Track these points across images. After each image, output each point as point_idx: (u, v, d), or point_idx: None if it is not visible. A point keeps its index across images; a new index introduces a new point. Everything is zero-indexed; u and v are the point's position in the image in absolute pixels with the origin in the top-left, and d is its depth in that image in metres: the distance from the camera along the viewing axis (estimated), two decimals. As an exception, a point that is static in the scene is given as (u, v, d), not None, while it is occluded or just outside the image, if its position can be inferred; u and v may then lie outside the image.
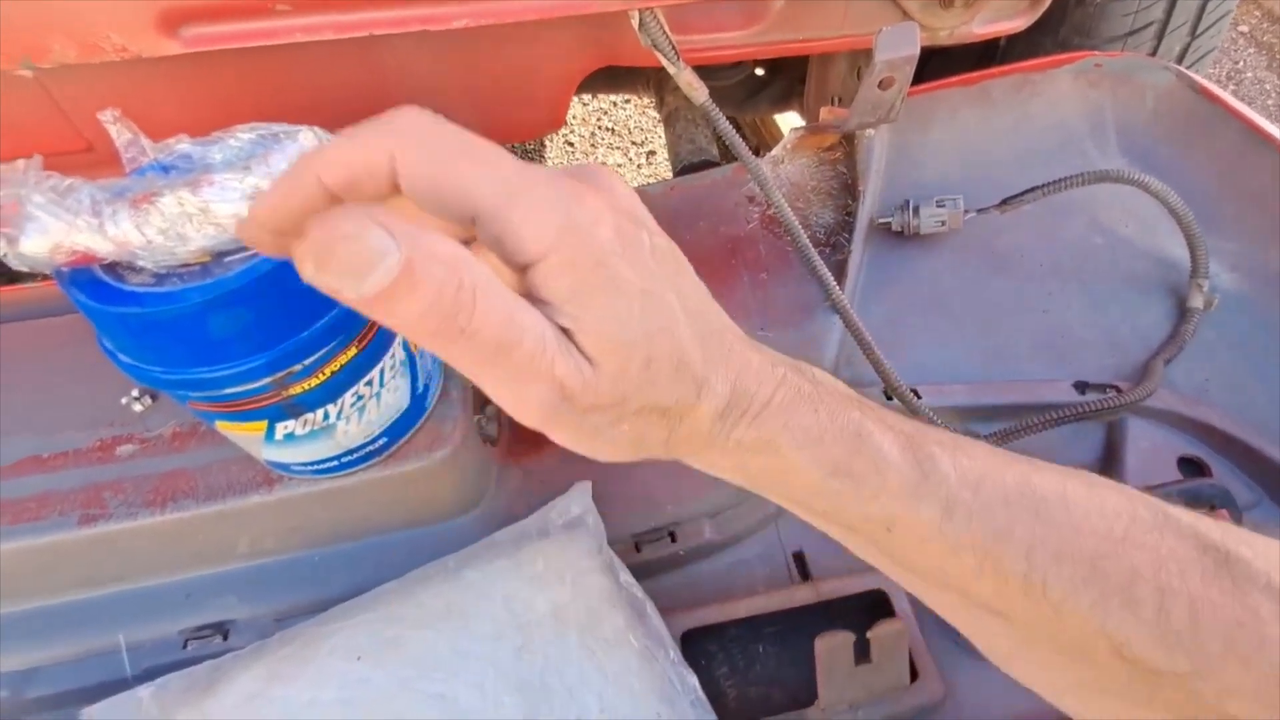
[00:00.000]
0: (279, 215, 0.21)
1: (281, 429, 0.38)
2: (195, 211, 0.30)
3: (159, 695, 0.38)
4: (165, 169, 0.33)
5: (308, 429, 0.38)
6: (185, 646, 0.44)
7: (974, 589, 0.25)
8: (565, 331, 0.21)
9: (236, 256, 0.32)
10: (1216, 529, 0.25)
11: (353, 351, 0.37)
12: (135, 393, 0.46)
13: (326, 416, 0.38)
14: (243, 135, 0.33)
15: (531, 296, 0.21)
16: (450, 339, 0.19)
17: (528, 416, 0.22)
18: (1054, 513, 0.24)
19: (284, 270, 0.32)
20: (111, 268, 0.32)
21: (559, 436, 0.23)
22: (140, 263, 0.31)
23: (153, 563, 0.45)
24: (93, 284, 0.32)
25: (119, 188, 0.31)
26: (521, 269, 0.21)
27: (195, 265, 0.32)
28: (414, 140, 0.20)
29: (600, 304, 0.21)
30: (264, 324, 0.33)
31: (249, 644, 0.41)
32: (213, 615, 0.45)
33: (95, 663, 0.44)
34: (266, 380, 0.34)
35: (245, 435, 0.38)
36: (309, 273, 0.18)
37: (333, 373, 0.37)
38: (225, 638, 0.44)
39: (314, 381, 0.36)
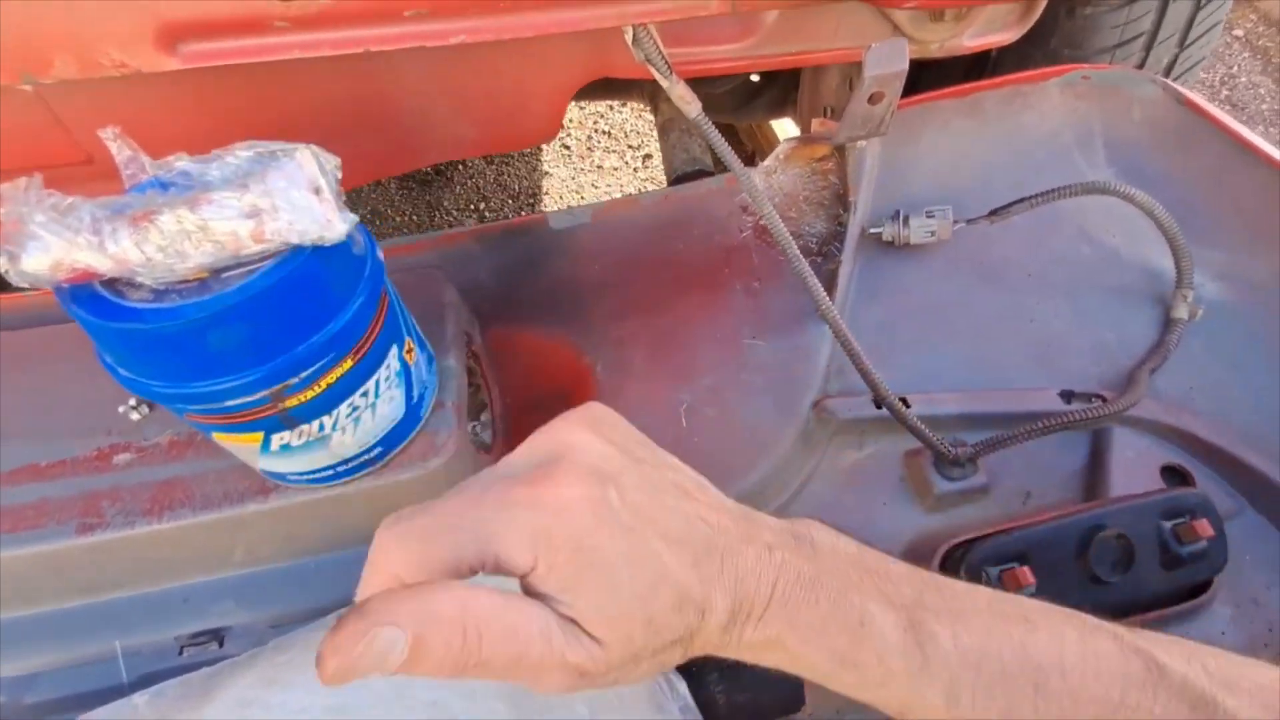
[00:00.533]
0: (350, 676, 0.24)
1: (278, 440, 0.38)
2: (194, 229, 0.31)
3: (155, 702, 0.38)
4: (164, 186, 0.34)
5: (303, 440, 0.39)
6: (181, 653, 0.45)
7: None
8: (567, 612, 0.24)
9: (234, 272, 0.33)
10: (1204, 676, 0.26)
11: (348, 364, 0.38)
12: (133, 401, 0.47)
13: (322, 428, 0.39)
14: (241, 153, 0.34)
15: (532, 589, 0.25)
16: (472, 672, 0.23)
17: (555, 692, 0.25)
18: (1052, 683, 0.26)
19: (281, 286, 0.33)
20: (111, 284, 0.33)
21: (587, 691, 0.25)
22: (139, 279, 0.32)
23: (149, 570, 0.45)
24: (93, 300, 0.32)
25: (118, 205, 0.31)
26: (523, 579, 0.25)
27: (193, 281, 0.32)
28: (401, 554, 0.24)
29: (589, 590, 0.24)
30: (261, 338, 0.33)
31: (244, 650, 0.42)
32: (209, 622, 0.45)
33: (92, 669, 0.45)
34: (264, 393, 0.35)
35: (242, 446, 0.39)
36: (350, 680, 0.22)
37: (329, 385, 0.37)
38: (221, 644, 0.45)
39: (310, 394, 0.37)
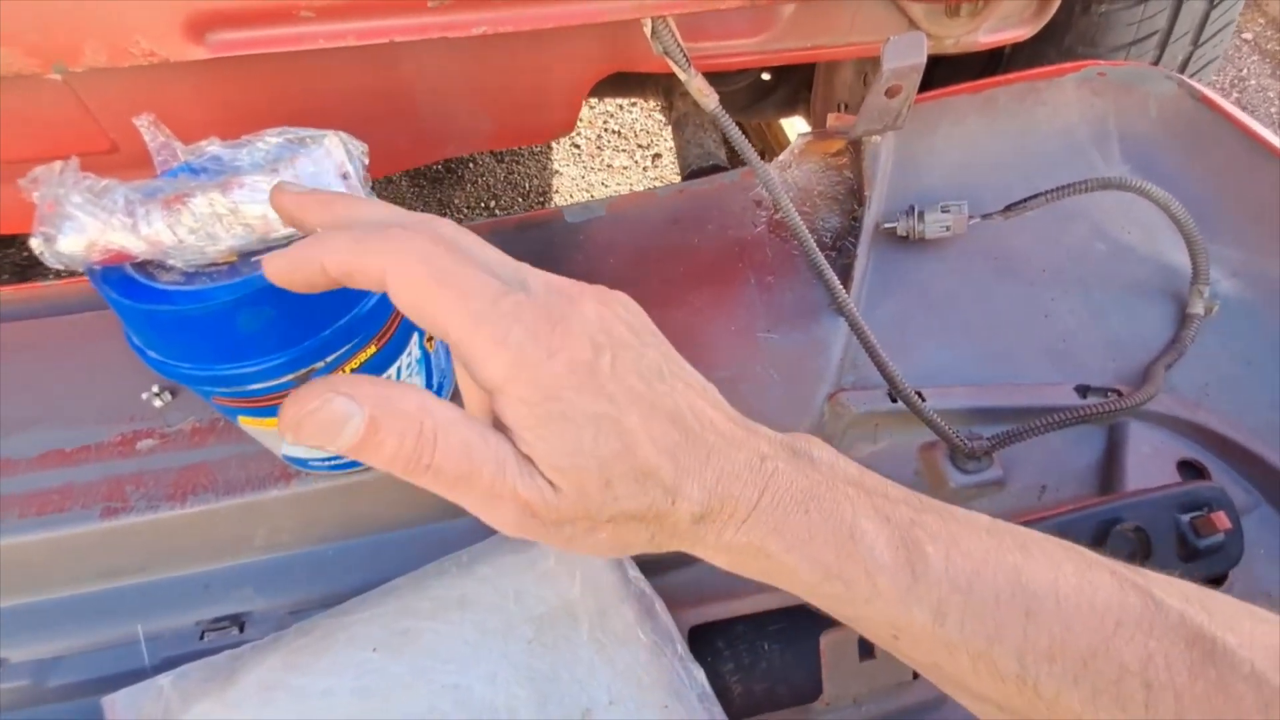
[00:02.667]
0: (286, 280, 0.25)
1: (302, 424, 0.39)
2: (225, 212, 0.31)
3: (179, 684, 0.39)
4: (195, 171, 0.34)
5: (327, 425, 0.39)
6: (202, 638, 0.45)
7: (971, 685, 0.26)
8: (527, 457, 0.24)
9: (263, 256, 0.33)
10: (1203, 613, 0.25)
11: (371, 350, 0.38)
12: (155, 388, 0.47)
13: (345, 413, 0.39)
14: (270, 139, 0.34)
15: (500, 420, 0.24)
16: (418, 474, 0.23)
17: (504, 528, 0.25)
18: (1045, 609, 0.25)
19: (309, 270, 0.33)
20: (142, 266, 0.33)
21: (539, 541, 0.25)
22: (171, 261, 0.32)
23: (172, 555, 0.46)
24: (124, 282, 0.33)
25: (151, 188, 0.32)
26: (489, 394, 0.24)
27: (223, 264, 0.33)
28: (408, 262, 0.23)
29: (551, 435, 0.23)
30: (288, 322, 0.34)
31: (265, 636, 0.42)
32: (230, 607, 0.46)
33: (114, 653, 0.45)
34: (290, 377, 0.35)
35: (266, 431, 0.39)
36: (289, 441, 0.22)
37: (352, 370, 0.38)
38: (241, 629, 0.45)
39: (335, 378, 0.37)
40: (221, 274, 0.33)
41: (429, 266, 0.23)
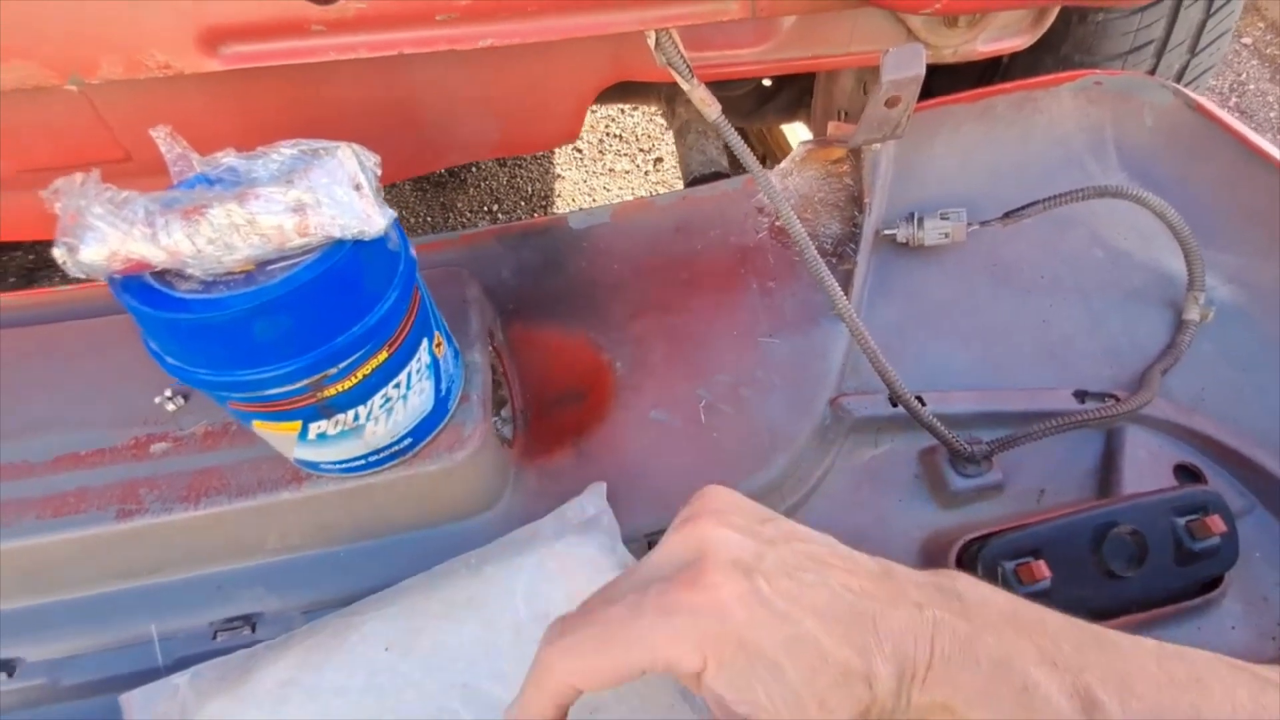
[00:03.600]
0: None
1: (315, 429, 0.39)
2: (242, 223, 0.32)
3: (194, 682, 0.40)
4: (211, 182, 0.35)
5: (339, 429, 0.40)
6: (215, 638, 0.46)
7: None
8: (749, 716, 0.25)
9: (279, 265, 0.34)
10: None
11: (383, 356, 0.39)
12: (168, 393, 0.48)
13: (357, 417, 0.40)
14: (285, 150, 0.35)
15: (717, 706, 0.26)
16: None
17: None
18: None
19: (323, 279, 0.34)
20: (161, 275, 0.34)
21: None
22: (189, 270, 0.33)
23: (185, 556, 0.47)
24: (144, 290, 0.33)
25: (170, 199, 0.33)
26: (698, 683, 0.26)
27: (240, 274, 0.34)
28: (571, 664, 0.26)
29: (759, 684, 0.25)
30: (303, 329, 0.35)
31: (276, 636, 0.43)
32: (242, 608, 0.47)
33: (128, 652, 0.46)
34: (304, 382, 0.36)
35: (280, 435, 0.40)
36: None
37: (365, 376, 0.38)
38: (254, 629, 0.46)
39: (348, 384, 0.38)
40: (238, 283, 0.33)
41: (589, 649, 0.26)
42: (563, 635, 0.27)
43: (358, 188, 0.34)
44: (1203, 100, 0.63)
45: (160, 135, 0.35)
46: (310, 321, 0.35)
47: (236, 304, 0.33)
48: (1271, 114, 1.75)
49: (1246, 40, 1.91)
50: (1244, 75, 1.85)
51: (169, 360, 0.36)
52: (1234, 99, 1.80)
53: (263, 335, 0.34)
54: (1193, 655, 0.28)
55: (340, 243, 0.35)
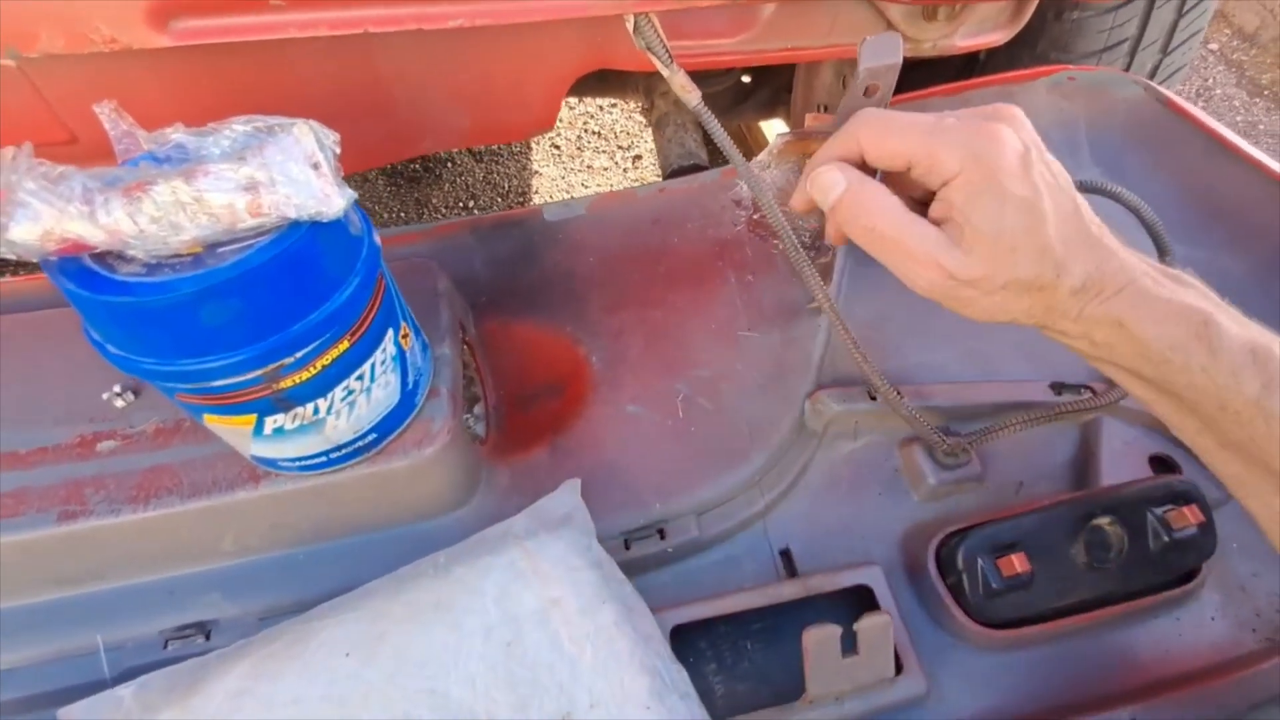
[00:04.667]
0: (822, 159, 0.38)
1: (271, 423, 0.37)
2: (189, 201, 0.30)
3: (141, 694, 0.37)
4: (159, 160, 0.33)
5: (297, 423, 0.38)
6: (166, 646, 0.44)
7: (1275, 456, 0.31)
8: (958, 227, 0.33)
9: (230, 247, 0.32)
10: None
11: (345, 345, 0.37)
12: (117, 388, 0.46)
13: (317, 411, 0.38)
14: (238, 127, 0.33)
15: (940, 208, 0.34)
16: (864, 234, 0.35)
17: (919, 288, 0.35)
18: None
19: (278, 261, 0.32)
20: (102, 258, 0.32)
21: (944, 303, 0.35)
22: (131, 252, 0.31)
23: (134, 561, 0.44)
24: (82, 273, 0.31)
25: (111, 177, 0.31)
26: (942, 188, 0.33)
27: (187, 256, 0.32)
28: (869, 131, 0.36)
29: (983, 207, 0.32)
30: (256, 315, 0.33)
31: (231, 644, 0.41)
32: (195, 614, 0.44)
33: (72, 663, 0.43)
34: (257, 373, 0.34)
35: (233, 429, 0.38)
36: (809, 188, 0.38)
37: (324, 366, 0.36)
38: (208, 637, 0.44)
39: (305, 375, 0.36)
40: (185, 265, 0.31)
41: (885, 124, 0.35)
42: (879, 113, 0.36)
43: (315, 166, 0.32)
44: (1173, 95, 0.64)
45: (104, 111, 0.33)
46: (264, 307, 0.33)
47: (182, 287, 0.31)
48: (1238, 118, 1.80)
49: (1213, 46, 1.96)
50: (1210, 80, 1.89)
51: (111, 349, 0.33)
52: (1200, 103, 1.84)
53: (211, 321, 0.32)
54: None
55: (296, 224, 0.33)
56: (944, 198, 0.33)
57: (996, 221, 0.32)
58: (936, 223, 0.34)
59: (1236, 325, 0.32)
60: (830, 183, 0.36)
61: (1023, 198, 0.32)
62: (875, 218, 0.35)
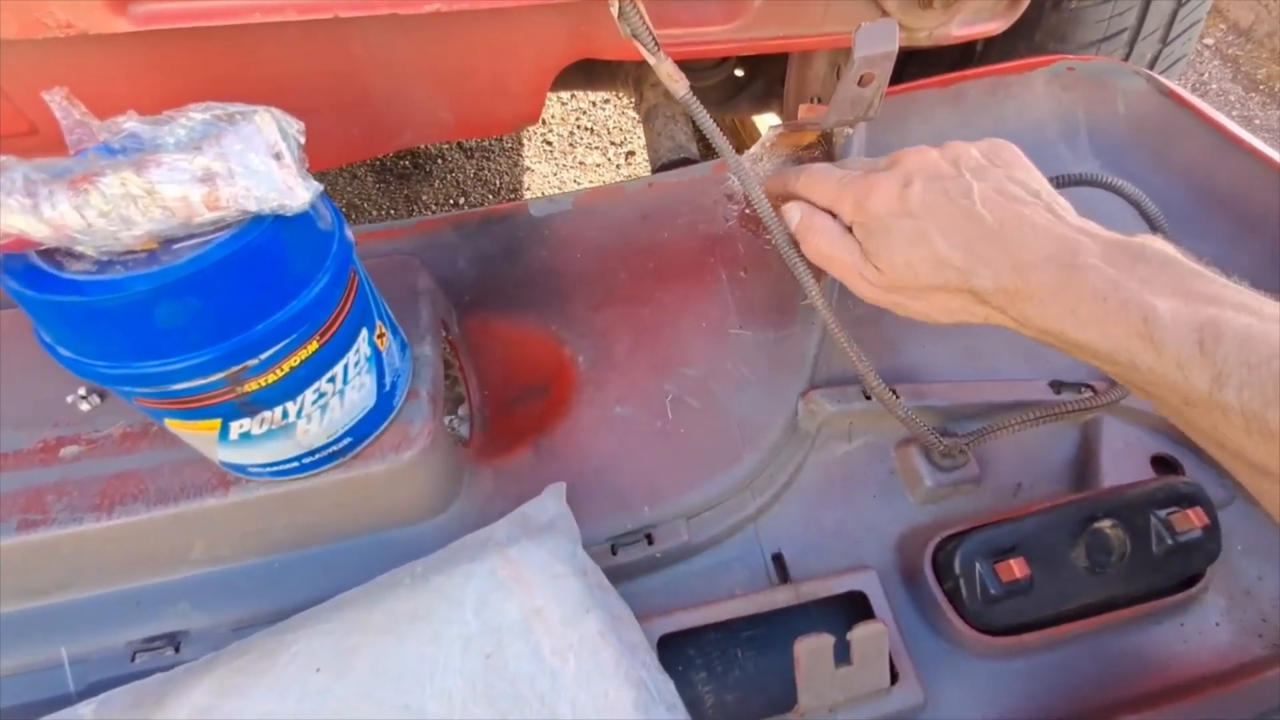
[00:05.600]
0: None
1: (236, 428, 0.36)
2: (140, 193, 0.28)
3: (102, 711, 0.36)
4: (112, 151, 0.31)
5: (265, 428, 0.36)
6: (134, 659, 0.42)
7: (1248, 451, 0.29)
8: (866, 249, 0.41)
9: (187, 243, 0.30)
10: None
11: (314, 346, 0.35)
12: (82, 391, 0.44)
13: (285, 415, 0.36)
14: (195, 115, 0.31)
15: (856, 235, 0.42)
16: (815, 253, 0.44)
17: (859, 295, 0.43)
18: None
19: (238, 257, 0.30)
20: (49, 255, 0.30)
21: (887, 308, 0.43)
22: (80, 249, 0.29)
23: (99, 570, 0.42)
24: (28, 272, 0.29)
25: (58, 168, 0.29)
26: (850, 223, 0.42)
27: (141, 252, 0.30)
28: (802, 183, 0.46)
29: (877, 243, 0.40)
30: (216, 315, 0.31)
31: (202, 656, 0.39)
32: (164, 625, 0.42)
33: (35, 678, 0.42)
34: (219, 375, 0.32)
35: (198, 435, 0.36)
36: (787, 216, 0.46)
37: (292, 368, 0.35)
38: (178, 649, 0.42)
39: (271, 377, 0.34)
40: (139, 262, 0.30)
41: (810, 174, 0.45)
42: (809, 172, 0.45)
43: (277, 156, 0.31)
44: (1175, 86, 0.63)
45: (54, 99, 0.31)
46: (224, 306, 0.31)
47: (134, 285, 0.29)
48: (1233, 113, 1.79)
49: (1209, 41, 1.95)
50: (1206, 75, 1.89)
51: (62, 351, 0.32)
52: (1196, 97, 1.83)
53: (167, 321, 0.30)
54: None
55: (259, 218, 0.31)
56: (854, 230, 0.42)
57: (885, 245, 0.39)
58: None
59: (1185, 307, 0.30)
60: (790, 215, 0.45)
61: (902, 225, 0.38)
62: (819, 240, 0.43)
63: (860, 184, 0.41)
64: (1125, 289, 0.32)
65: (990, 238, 0.36)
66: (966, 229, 0.37)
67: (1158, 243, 0.34)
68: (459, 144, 1.66)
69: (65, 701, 0.39)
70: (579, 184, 1.64)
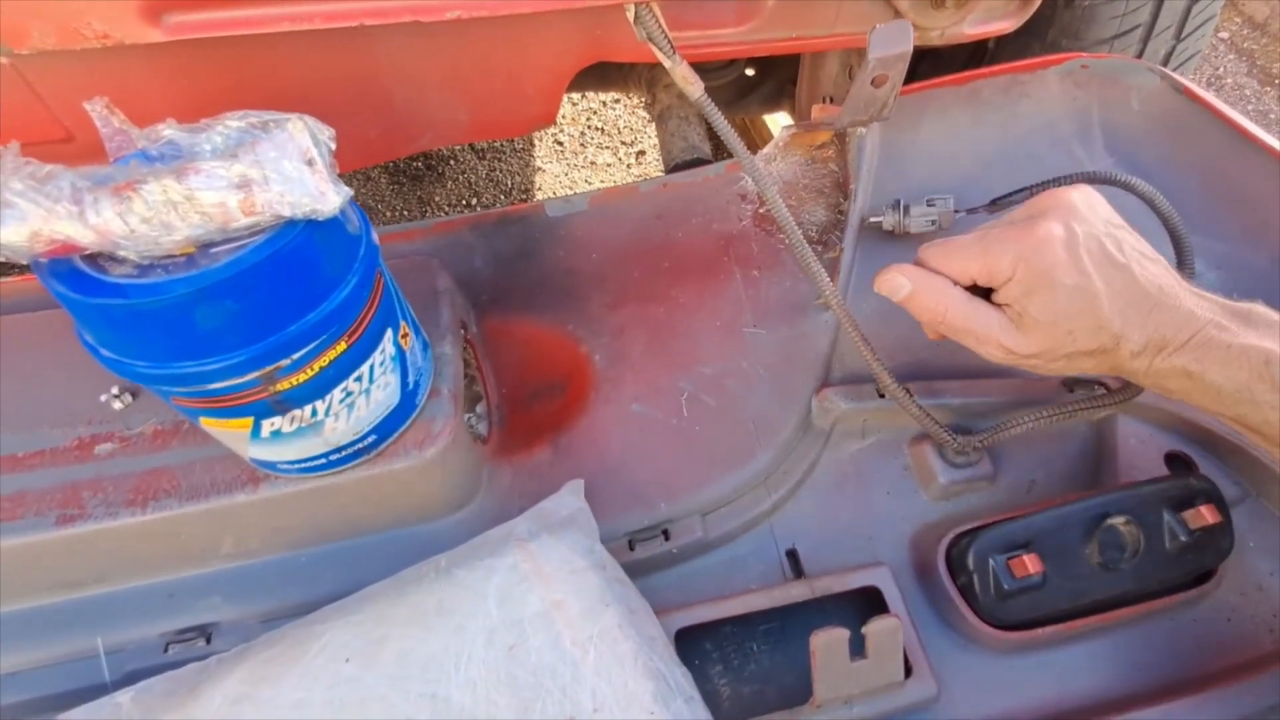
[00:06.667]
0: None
1: (268, 426, 0.37)
2: (180, 199, 0.29)
3: (140, 699, 0.37)
4: (150, 158, 0.32)
5: (295, 426, 0.37)
6: (166, 650, 0.43)
7: None
8: (1017, 314, 0.39)
9: (223, 247, 0.31)
10: None
11: (342, 346, 0.36)
12: (115, 390, 0.45)
13: (315, 413, 0.37)
14: (231, 123, 0.32)
15: (1001, 297, 0.39)
16: (938, 326, 0.42)
17: (989, 359, 0.41)
18: None
19: (273, 261, 0.31)
20: (93, 259, 0.31)
21: (1013, 366, 0.41)
22: (122, 253, 0.30)
23: (133, 564, 0.44)
24: (73, 275, 0.31)
25: (102, 176, 0.30)
26: (1002, 285, 0.39)
27: (180, 256, 0.31)
28: (932, 261, 0.42)
29: (1038, 301, 0.37)
30: (252, 316, 0.32)
31: (233, 647, 0.40)
32: (196, 617, 0.44)
33: (72, 668, 0.43)
34: (253, 375, 0.33)
35: (231, 433, 0.37)
36: (877, 288, 0.43)
37: (321, 368, 0.36)
38: (209, 641, 0.43)
39: (302, 377, 0.35)
40: (178, 266, 0.31)
41: (937, 249, 0.42)
42: (934, 245, 0.42)
43: (310, 163, 0.32)
44: (1190, 84, 0.63)
45: (95, 108, 0.32)
46: (259, 308, 0.32)
47: (175, 288, 0.30)
48: (1249, 108, 1.77)
49: (1224, 35, 1.93)
50: (1221, 69, 1.87)
51: (104, 352, 0.33)
52: (1211, 93, 1.81)
53: (206, 323, 0.31)
54: None
55: (292, 222, 0.32)
56: (1003, 294, 0.39)
57: (1050, 310, 0.37)
58: (1000, 305, 0.40)
59: None
60: (896, 286, 0.42)
61: (1073, 285, 0.36)
62: (943, 311, 0.40)
63: (1018, 238, 0.37)
64: (1246, 335, 0.35)
65: (1141, 298, 0.36)
66: (1128, 290, 0.36)
67: (1263, 307, 0.37)
68: (471, 145, 1.67)
69: (101, 691, 0.40)
70: (590, 184, 1.65)
